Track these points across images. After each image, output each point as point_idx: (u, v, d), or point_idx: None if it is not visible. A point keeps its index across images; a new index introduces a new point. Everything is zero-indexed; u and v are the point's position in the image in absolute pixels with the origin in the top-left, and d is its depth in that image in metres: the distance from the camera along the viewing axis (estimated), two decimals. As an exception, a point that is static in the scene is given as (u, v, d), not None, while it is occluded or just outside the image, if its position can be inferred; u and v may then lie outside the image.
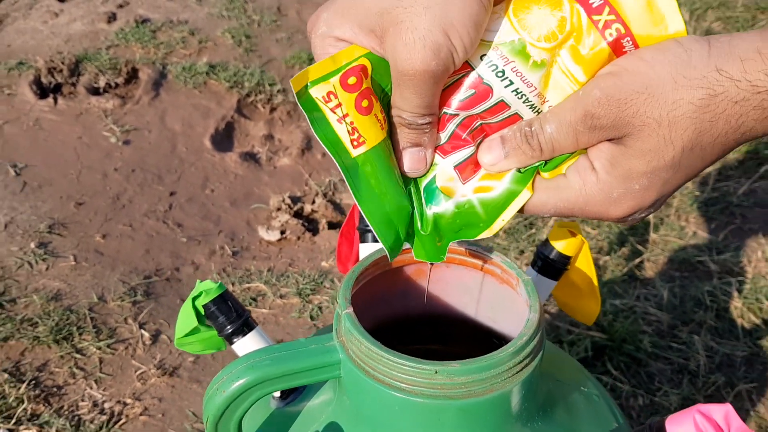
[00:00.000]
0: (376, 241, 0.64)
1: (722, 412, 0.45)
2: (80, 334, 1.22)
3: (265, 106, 1.92)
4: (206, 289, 0.58)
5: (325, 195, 1.63)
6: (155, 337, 1.24)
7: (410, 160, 0.45)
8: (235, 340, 0.58)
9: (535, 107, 0.43)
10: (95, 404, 1.12)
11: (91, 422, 1.09)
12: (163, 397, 1.13)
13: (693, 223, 1.51)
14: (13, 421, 1.07)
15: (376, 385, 0.47)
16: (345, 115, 0.42)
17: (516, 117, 0.44)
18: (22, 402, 1.09)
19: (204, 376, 1.17)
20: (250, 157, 1.77)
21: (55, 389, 1.13)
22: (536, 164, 0.44)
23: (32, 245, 1.40)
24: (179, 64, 1.99)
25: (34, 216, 1.48)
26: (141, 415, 1.10)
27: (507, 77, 0.42)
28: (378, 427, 0.49)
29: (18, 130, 1.74)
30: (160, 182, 1.64)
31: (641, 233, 1.46)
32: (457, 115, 0.44)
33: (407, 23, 0.39)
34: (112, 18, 2.20)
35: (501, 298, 0.56)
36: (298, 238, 1.51)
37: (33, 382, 1.13)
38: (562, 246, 0.61)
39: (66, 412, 1.10)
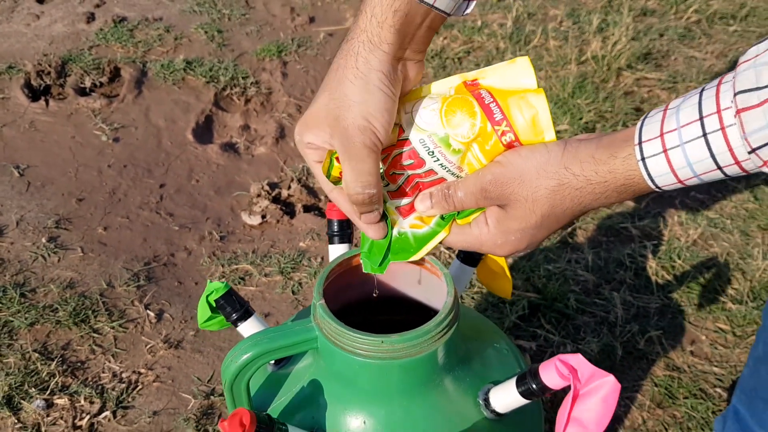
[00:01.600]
0: (340, 243, 0.85)
1: (576, 359, 0.67)
2: (95, 317, 1.42)
3: (240, 99, 2.10)
4: (215, 288, 0.79)
5: (299, 180, 1.83)
6: (159, 316, 1.45)
7: (375, 233, 0.66)
8: (239, 324, 0.79)
9: (455, 174, 0.65)
10: (114, 375, 1.33)
11: (113, 390, 1.30)
12: (171, 366, 1.35)
13: (620, 193, 1.74)
14: (48, 392, 1.28)
15: (342, 352, 0.68)
16: None
17: (441, 179, 0.65)
18: (54, 376, 1.30)
19: (204, 347, 1.39)
20: (230, 147, 1.96)
21: (79, 364, 1.34)
22: (452, 213, 0.66)
23: (43, 240, 1.59)
24: (158, 61, 2.16)
25: (41, 213, 1.67)
26: (154, 382, 1.32)
27: (435, 155, 0.64)
28: (345, 381, 0.71)
29: (16, 132, 1.91)
30: (150, 176, 1.83)
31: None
32: (403, 174, 0.65)
33: (342, 116, 0.60)
34: (90, 18, 2.35)
35: (432, 284, 0.78)
36: (278, 221, 1.71)
37: (60, 359, 1.34)
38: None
39: (91, 383, 1.31)
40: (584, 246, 1.58)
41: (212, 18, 2.39)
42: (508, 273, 0.86)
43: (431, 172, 0.65)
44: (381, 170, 0.66)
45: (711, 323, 1.43)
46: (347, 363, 0.69)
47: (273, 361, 0.79)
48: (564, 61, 2.16)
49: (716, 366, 1.36)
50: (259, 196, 1.78)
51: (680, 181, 0.54)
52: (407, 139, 0.65)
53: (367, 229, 0.67)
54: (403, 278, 0.80)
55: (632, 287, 1.49)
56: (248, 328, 0.79)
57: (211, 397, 1.29)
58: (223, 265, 1.57)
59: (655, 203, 1.72)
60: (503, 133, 0.62)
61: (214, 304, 0.79)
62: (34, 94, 2.04)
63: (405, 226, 0.68)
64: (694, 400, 1.29)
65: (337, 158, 0.62)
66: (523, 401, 0.71)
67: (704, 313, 1.45)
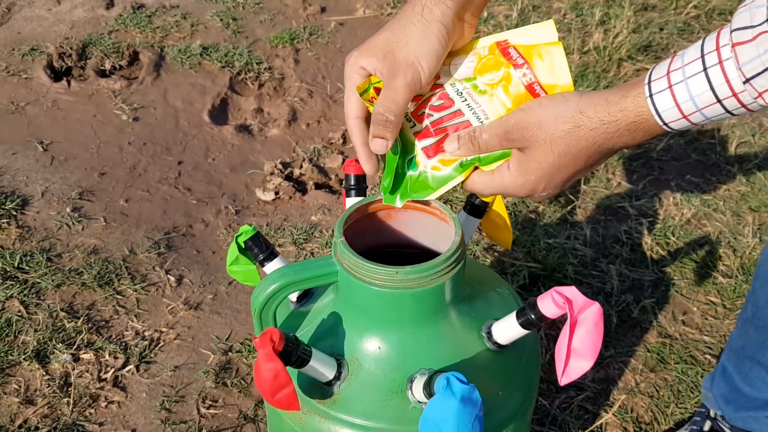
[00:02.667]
0: (356, 196, 0.93)
1: (570, 290, 0.75)
2: (118, 280, 1.50)
3: (254, 83, 2.18)
4: (245, 230, 0.87)
5: (310, 160, 1.91)
6: (179, 281, 1.52)
7: (375, 145, 0.74)
8: (266, 264, 0.87)
9: (480, 119, 0.72)
10: (137, 333, 1.41)
11: (136, 346, 1.38)
12: (191, 326, 1.43)
13: (618, 175, 1.82)
14: (74, 347, 1.35)
15: (360, 283, 0.76)
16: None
17: (467, 123, 0.73)
18: (80, 333, 1.38)
19: (222, 309, 1.47)
20: (244, 128, 2.04)
21: (103, 323, 1.42)
22: (473, 159, 0.73)
23: (68, 210, 1.67)
24: (175, 46, 2.24)
25: (65, 185, 1.75)
26: (175, 339, 1.40)
27: (464, 96, 0.72)
28: (362, 311, 0.78)
29: (39, 111, 1.99)
30: (169, 153, 1.91)
31: (574, 185, 1.76)
32: (432, 115, 0.74)
33: (397, 49, 0.70)
34: (110, 4, 2.43)
35: (440, 230, 0.85)
36: (290, 197, 1.79)
37: (85, 317, 1.42)
38: (482, 195, 0.91)
39: (115, 340, 1.39)
40: (583, 223, 1.66)
41: (227, 6, 2.47)
42: (509, 225, 0.94)
43: (458, 113, 0.73)
44: (410, 110, 0.75)
45: (702, 296, 1.51)
46: (365, 293, 0.76)
47: (295, 299, 0.87)
48: (567, 51, 2.23)
49: (707, 335, 1.44)
50: (272, 174, 1.86)
51: (685, 116, 0.60)
52: (441, 84, 0.74)
53: (366, 161, 0.76)
54: (415, 226, 0.88)
55: (628, 261, 1.57)
56: (274, 267, 0.87)
57: (229, 353, 1.37)
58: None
59: (651, 185, 1.79)
60: (524, 75, 0.70)
61: (243, 246, 0.87)
62: (56, 75, 2.13)
63: (427, 167, 0.76)
64: (685, 365, 1.37)
65: (375, 88, 0.71)
66: (523, 332, 0.78)
67: (696, 287, 1.53)
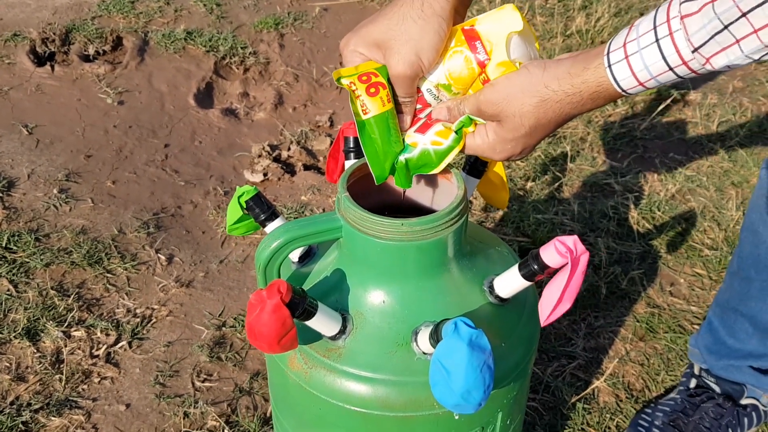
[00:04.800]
0: (356, 158, 0.93)
1: (572, 240, 0.76)
2: (108, 259, 1.49)
3: (239, 68, 2.18)
4: (246, 190, 0.87)
5: (298, 143, 1.91)
6: (170, 260, 1.52)
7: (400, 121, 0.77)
8: (267, 223, 0.87)
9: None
10: (129, 310, 1.40)
11: (128, 323, 1.37)
12: (183, 303, 1.42)
13: (603, 154, 1.84)
14: (65, 324, 1.34)
15: (365, 237, 0.76)
16: (359, 96, 0.74)
17: None
18: (71, 310, 1.37)
19: (214, 286, 1.46)
20: (230, 112, 2.04)
21: (94, 301, 1.41)
22: (461, 125, 0.75)
23: (54, 191, 1.66)
24: (159, 31, 2.23)
25: (51, 167, 1.73)
26: (167, 316, 1.39)
27: (440, 99, 0.76)
28: (366, 265, 0.79)
29: (23, 95, 1.97)
30: (155, 136, 1.90)
31: (561, 164, 1.79)
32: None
33: (396, 48, 0.73)
34: (91, -10, 2.41)
35: (441, 188, 0.86)
36: (279, 179, 1.79)
37: (76, 296, 1.41)
38: (481, 155, 0.92)
39: (106, 317, 1.38)
40: (570, 200, 1.68)
41: (210, -8, 2.46)
42: (506, 184, 0.95)
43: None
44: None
45: (689, 268, 1.54)
46: (369, 247, 0.77)
47: (297, 260, 0.88)
48: (550, 35, 2.26)
49: (694, 306, 1.46)
50: (260, 156, 1.86)
51: (641, 83, 0.65)
52: (418, 87, 0.78)
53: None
54: (416, 185, 0.89)
55: (615, 235, 1.59)
56: (276, 226, 0.87)
57: (223, 328, 1.37)
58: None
59: (636, 163, 1.82)
60: (480, 62, 0.74)
61: (245, 205, 0.87)
62: (40, 60, 2.10)
63: (427, 143, 0.78)
64: (674, 334, 1.39)
65: (359, 76, 0.75)
66: (524, 284, 0.80)
67: (682, 259, 1.55)
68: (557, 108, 0.69)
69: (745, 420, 1.18)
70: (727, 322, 1.13)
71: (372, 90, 0.75)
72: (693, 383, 1.22)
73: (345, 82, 0.76)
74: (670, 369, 1.33)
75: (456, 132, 0.77)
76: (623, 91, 0.66)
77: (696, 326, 1.42)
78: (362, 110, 0.76)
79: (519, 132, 0.72)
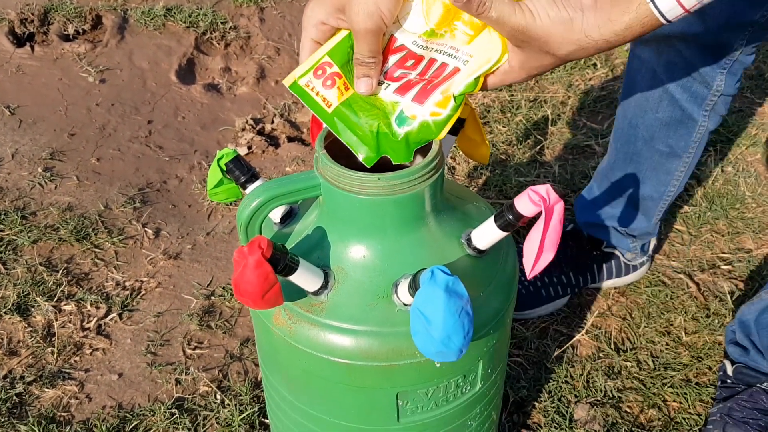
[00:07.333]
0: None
1: (545, 188, 0.78)
2: (95, 234, 1.50)
3: (220, 43, 2.18)
4: (225, 153, 0.88)
5: (282, 115, 1.92)
6: (157, 233, 1.53)
7: (362, 85, 0.76)
8: (247, 185, 0.88)
9: (452, 55, 0.76)
10: (118, 283, 1.42)
11: (117, 296, 1.39)
12: (172, 275, 1.44)
13: (584, 117, 1.86)
14: (55, 299, 1.36)
15: (343, 193, 0.78)
16: (318, 93, 0.75)
17: (443, 65, 0.76)
18: (60, 285, 1.38)
19: (202, 257, 1.48)
20: (212, 87, 2.04)
21: (83, 275, 1.43)
22: (462, 97, 0.75)
23: (39, 170, 1.66)
24: (138, 8, 2.22)
25: (35, 147, 1.74)
26: (156, 288, 1.41)
27: (429, 47, 0.75)
28: (346, 221, 0.81)
29: (3, 76, 1.96)
30: (138, 113, 1.90)
31: (542, 127, 1.80)
32: (409, 74, 0.77)
33: (354, 2, 0.71)
34: (68, -30, 2.39)
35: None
36: (263, 152, 1.80)
37: (64, 271, 1.42)
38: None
39: (96, 291, 1.40)
40: (552, 162, 1.70)
41: (189, -31, 2.45)
42: (486, 140, 0.97)
43: (432, 60, 0.76)
44: (384, 72, 0.78)
45: (668, 224, 1.56)
46: (347, 203, 0.79)
47: (278, 221, 0.89)
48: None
49: (674, 261, 1.49)
50: (244, 130, 1.87)
51: (686, 10, 0.63)
52: (402, 44, 0.77)
53: (358, 82, 0.78)
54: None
55: (597, 195, 1.61)
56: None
57: (212, 298, 1.38)
58: (213, 189, 1.65)
59: (616, 125, 1.84)
60: None
61: (225, 168, 0.89)
62: (19, 41, 2.10)
63: (426, 115, 0.78)
64: (654, 288, 1.42)
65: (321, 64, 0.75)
66: (501, 235, 0.81)
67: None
68: (593, 50, 0.68)
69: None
70: (602, 186, 1.32)
71: (328, 83, 0.76)
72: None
73: (302, 83, 0.75)
74: (651, 322, 1.36)
75: (455, 99, 0.77)
76: (667, 21, 0.64)
77: (676, 280, 1.44)
78: (325, 105, 0.76)
79: (546, 63, 0.71)
